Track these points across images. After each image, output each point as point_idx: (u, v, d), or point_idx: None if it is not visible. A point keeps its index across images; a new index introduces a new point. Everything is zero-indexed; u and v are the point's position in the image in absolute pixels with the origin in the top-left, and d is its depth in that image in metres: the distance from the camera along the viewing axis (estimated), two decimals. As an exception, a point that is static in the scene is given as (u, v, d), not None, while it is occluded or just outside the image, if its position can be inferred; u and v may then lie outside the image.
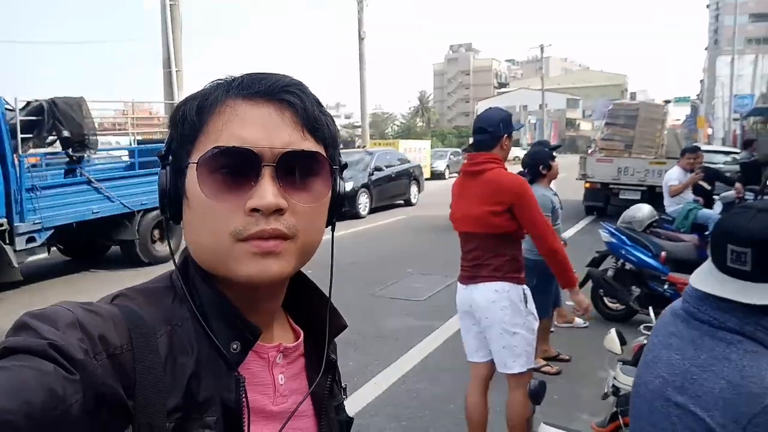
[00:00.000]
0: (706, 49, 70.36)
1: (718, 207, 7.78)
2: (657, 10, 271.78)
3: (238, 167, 0.68)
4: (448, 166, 28.32)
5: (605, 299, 5.81)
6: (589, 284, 5.72)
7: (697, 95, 62.75)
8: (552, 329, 5.06)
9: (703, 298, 1.31)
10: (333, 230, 0.82)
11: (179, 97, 11.79)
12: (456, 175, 31.36)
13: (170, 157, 0.74)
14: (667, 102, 21.75)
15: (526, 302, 2.99)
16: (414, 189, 16.70)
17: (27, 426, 0.50)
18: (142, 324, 0.65)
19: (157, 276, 0.77)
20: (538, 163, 4.42)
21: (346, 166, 0.80)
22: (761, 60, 40.20)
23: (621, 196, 11.84)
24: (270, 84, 0.71)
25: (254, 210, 0.67)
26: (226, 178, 0.68)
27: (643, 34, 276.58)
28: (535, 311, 3.06)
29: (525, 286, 3.01)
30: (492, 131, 2.92)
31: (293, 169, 0.69)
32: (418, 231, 11.76)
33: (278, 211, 0.67)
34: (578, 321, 5.65)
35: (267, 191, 0.67)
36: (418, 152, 26.44)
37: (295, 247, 0.70)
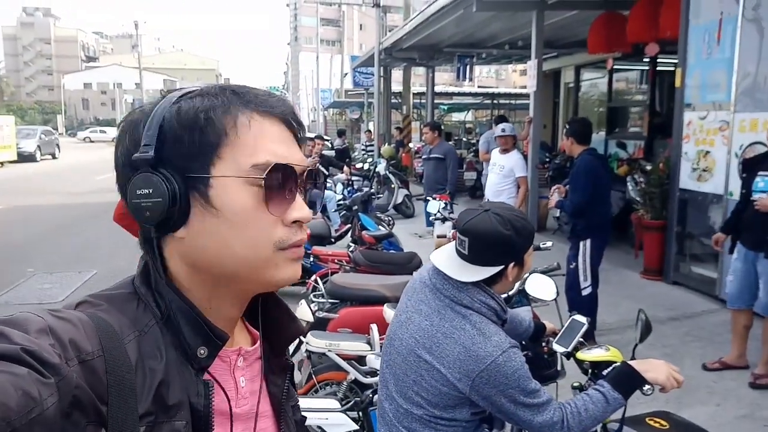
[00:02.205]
0: (288, 44, 78.21)
1: (339, 188, 9.14)
2: (245, 3, 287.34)
3: (283, 182, 0.72)
4: (39, 147, 24.73)
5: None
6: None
7: (283, 85, 69.16)
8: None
9: (447, 277, 1.70)
10: None
11: None
12: (49, 157, 27.28)
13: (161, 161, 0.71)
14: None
15: None
16: None
17: (3, 429, 0.51)
18: (110, 330, 0.65)
19: (118, 282, 0.75)
20: None
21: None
22: (333, 59, 47.08)
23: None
24: (284, 106, 0.76)
25: (294, 221, 0.73)
26: (273, 192, 0.71)
27: (233, 23, 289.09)
28: None
29: None
30: None
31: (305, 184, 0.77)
32: (27, 224, 10.07)
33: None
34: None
35: (304, 205, 0.74)
36: (-1, 130, 22.30)
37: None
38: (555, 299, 2.44)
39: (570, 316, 2.11)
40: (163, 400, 0.67)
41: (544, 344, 2.27)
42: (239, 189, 0.70)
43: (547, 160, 10.99)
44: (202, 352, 0.72)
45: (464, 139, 20.72)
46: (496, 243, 1.65)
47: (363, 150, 17.57)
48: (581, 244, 4.49)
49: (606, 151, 11.64)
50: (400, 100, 19.47)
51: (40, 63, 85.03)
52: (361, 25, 65.30)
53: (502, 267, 1.67)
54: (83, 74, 69.58)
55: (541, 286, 2.41)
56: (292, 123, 0.77)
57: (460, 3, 8.55)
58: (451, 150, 7.93)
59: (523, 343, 2.23)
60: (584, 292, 4.49)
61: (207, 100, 0.71)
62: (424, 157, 8.57)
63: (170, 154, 0.70)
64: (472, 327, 1.62)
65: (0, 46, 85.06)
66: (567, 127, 4.79)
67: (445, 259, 1.73)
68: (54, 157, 26.34)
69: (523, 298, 3.29)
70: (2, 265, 7.28)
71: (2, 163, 21.70)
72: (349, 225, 7.34)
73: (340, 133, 19.03)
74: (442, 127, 9.56)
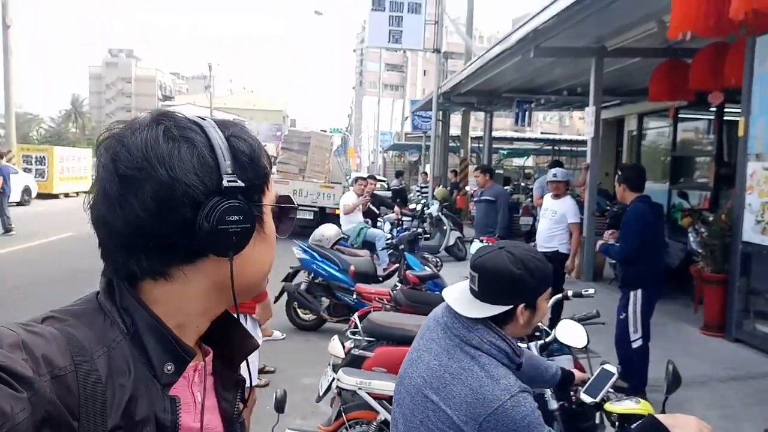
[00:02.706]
0: (353, 88, 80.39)
1: (387, 227, 9.20)
2: (312, 46, 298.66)
3: (292, 213, 0.92)
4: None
5: (299, 311, 6.30)
6: (285, 297, 6.14)
7: (347, 127, 70.85)
8: (256, 343, 5.27)
9: (458, 316, 1.65)
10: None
11: None
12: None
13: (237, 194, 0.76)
14: (325, 131, 24.15)
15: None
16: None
17: None
18: (80, 345, 0.66)
19: (81, 298, 0.76)
20: None
21: None
22: (395, 103, 47.95)
23: (297, 215, 12.80)
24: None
25: None
26: (284, 219, 0.89)
27: (302, 67, 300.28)
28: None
29: None
30: None
31: None
32: (96, 249, 10.50)
33: None
34: (276, 334, 5.99)
35: None
36: (77, 162, 23.72)
37: None
38: (586, 347, 2.33)
39: (618, 368, 2.00)
40: (131, 416, 0.68)
41: (572, 394, 2.17)
42: (270, 216, 0.83)
43: (607, 208, 10.69)
44: (169, 368, 0.73)
45: (522, 184, 20.50)
46: (504, 280, 1.60)
47: (418, 191, 17.65)
48: (631, 294, 4.31)
49: (669, 202, 11.23)
50: (458, 144, 19.54)
51: (121, 101, 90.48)
52: (425, 71, 66.42)
53: (510, 307, 1.61)
54: (159, 112, 73.30)
55: (572, 333, 2.31)
56: (270, 161, 0.87)
57: (519, 49, 8.57)
58: (503, 193, 7.90)
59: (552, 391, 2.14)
60: (634, 345, 4.28)
61: (256, 144, 0.81)
62: (475, 199, 8.57)
63: (245, 183, 0.76)
64: (480, 369, 1.55)
65: (86, 84, 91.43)
66: (619, 173, 4.65)
67: (457, 294, 1.69)
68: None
69: (564, 346, 3.17)
70: (70, 290, 7.60)
71: (77, 193, 22.98)
72: (397, 264, 7.33)
73: (398, 174, 19.26)
74: (500, 171, 9.55)
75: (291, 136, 14.39)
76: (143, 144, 0.72)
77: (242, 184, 0.74)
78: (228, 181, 0.73)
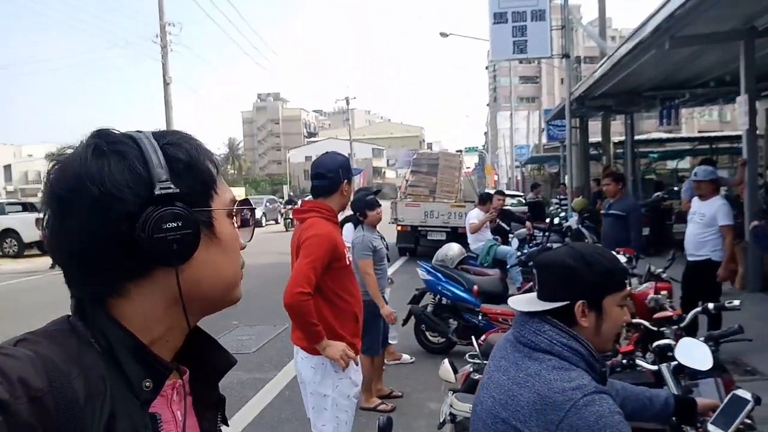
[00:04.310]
0: (488, 105, 79.70)
1: (515, 243, 8.84)
2: (445, 69, 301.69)
3: (248, 215, 0.87)
4: (264, 213, 28.16)
5: (427, 333, 6.20)
6: (412, 320, 6.07)
7: (483, 145, 70.27)
8: (383, 367, 5.26)
9: (524, 324, 1.51)
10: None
11: None
12: (273, 222, 31.12)
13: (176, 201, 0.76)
14: (459, 152, 24.05)
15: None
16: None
17: None
18: (56, 366, 0.65)
19: (52, 321, 0.76)
20: (355, 210, 4.74)
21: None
22: (531, 115, 46.63)
23: (429, 237, 12.82)
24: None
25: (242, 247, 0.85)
26: (242, 221, 0.85)
27: (436, 90, 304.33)
28: (354, 376, 2.93)
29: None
30: (332, 177, 2.90)
31: None
32: (243, 280, 11.33)
33: None
34: (405, 357, 5.94)
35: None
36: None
37: None
38: (712, 369, 1.98)
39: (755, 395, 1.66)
40: None
41: (698, 426, 1.83)
42: (225, 220, 0.81)
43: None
44: (147, 384, 0.73)
45: (676, 189, 18.78)
46: (559, 273, 1.49)
47: (557, 204, 16.86)
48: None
49: None
50: (600, 151, 18.44)
51: (271, 141, 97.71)
52: (561, 80, 64.09)
53: (566, 303, 1.45)
54: (305, 148, 77.83)
55: (693, 353, 1.97)
56: (217, 165, 0.84)
57: (653, 42, 7.91)
58: (635, 207, 6.59)
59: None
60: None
61: (201, 148, 0.81)
62: (603, 212, 7.20)
63: (182, 190, 0.75)
64: (549, 371, 1.38)
65: (240, 129, 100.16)
66: None
67: (522, 299, 1.59)
68: (276, 222, 29.60)
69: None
70: (216, 317, 8.19)
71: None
72: (531, 282, 6.97)
73: (533, 187, 18.59)
74: (651, 177, 8.64)
75: (420, 158, 14.49)
76: (74, 164, 0.73)
77: (177, 191, 0.73)
78: (160, 189, 0.72)
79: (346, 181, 2.94)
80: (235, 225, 0.83)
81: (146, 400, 0.73)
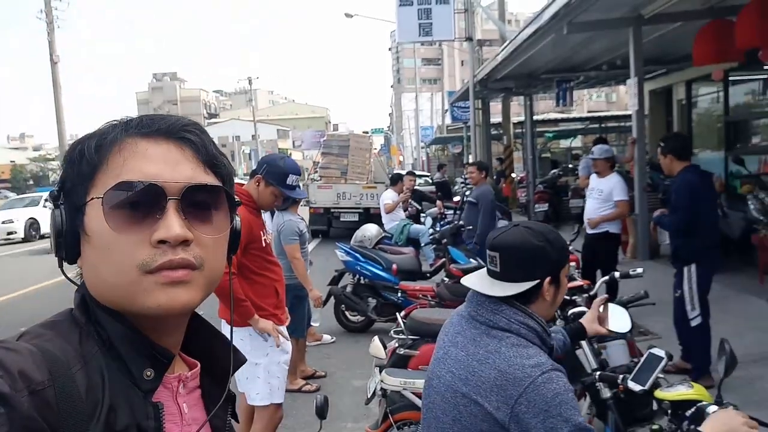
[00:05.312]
0: (391, 86, 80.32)
1: (428, 222, 9.08)
2: (349, 51, 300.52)
3: (142, 201, 0.70)
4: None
5: (347, 313, 6.28)
6: (332, 301, 6.12)
7: (388, 126, 70.87)
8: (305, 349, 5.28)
9: (481, 303, 1.58)
10: (230, 264, 0.86)
11: None
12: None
13: (63, 196, 0.75)
14: (366, 133, 24.19)
15: (269, 335, 3.05)
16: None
17: None
18: (58, 359, 0.66)
19: (55, 314, 0.76)
20: None
21: (240, 203, 0.85)
22: (435, 97, 47.63)
23: (342, 219, 12.87)
24: (170, 123, 0.76)
25: (161, 242, 0.70)
26: (130, 212, 0.70)
27: (340, 71, 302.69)
28: (283, 344, 3.13)
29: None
30: (257, 168, 3.19)
31: (197, 203, 0.73)
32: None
33: (184, 242, 0.71)
34: (326, 337, 5.99)
35: (173, 223, 0.70)
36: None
37: (202, 276, 0.74)
38: (629, 332, 2.19)
39: (667, 351, 1.85)
40: (111, 427, 0.67)
41: (619, 383, 2.02)
42: (97, 213, 0.71)
43: (665, 183, 10.23)
44: (148, 374, 0.73)
45: (570, 166, 19.95)
46: (529, 254, 1.53)
47: (462, 183, 17.43)
48: (685, 269, 4.08)
49: (726, 170, 10.68)
50: (501, 132, 19.19)
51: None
52: (462, 62, 65.67)
53: (537, 282, 1.53)
54: (206, 129, 75.38)
55: (615, 318, 2.16)
56: (187, 141, 0.76)
57: (552, 27, 8.31)
58: (486, 195, 6.86)
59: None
60: (693, 323, 4.05)
61: (96, 134, 0.75)
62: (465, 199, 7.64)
63: (65, 189, 0.75)
64: (508, 348, 1.47)
65: (134, 109, 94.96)
66: (661, 145, 4.41)
67: (477, 280, 1.62)
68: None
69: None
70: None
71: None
72: (443, 259, 7.21)
73: (440, 167, 19.12)
74: (546, 155, 9.14)
75: (330, 140, 14.44)
76: None
77: (53, 192, 0.76)
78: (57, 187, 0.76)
79: (261, 177, 3.11)
80: (118, 215, 0.70)
81: (149, 389, 0.72)
